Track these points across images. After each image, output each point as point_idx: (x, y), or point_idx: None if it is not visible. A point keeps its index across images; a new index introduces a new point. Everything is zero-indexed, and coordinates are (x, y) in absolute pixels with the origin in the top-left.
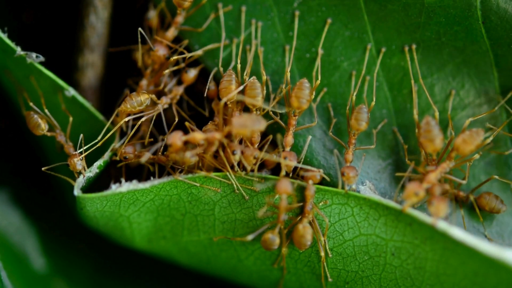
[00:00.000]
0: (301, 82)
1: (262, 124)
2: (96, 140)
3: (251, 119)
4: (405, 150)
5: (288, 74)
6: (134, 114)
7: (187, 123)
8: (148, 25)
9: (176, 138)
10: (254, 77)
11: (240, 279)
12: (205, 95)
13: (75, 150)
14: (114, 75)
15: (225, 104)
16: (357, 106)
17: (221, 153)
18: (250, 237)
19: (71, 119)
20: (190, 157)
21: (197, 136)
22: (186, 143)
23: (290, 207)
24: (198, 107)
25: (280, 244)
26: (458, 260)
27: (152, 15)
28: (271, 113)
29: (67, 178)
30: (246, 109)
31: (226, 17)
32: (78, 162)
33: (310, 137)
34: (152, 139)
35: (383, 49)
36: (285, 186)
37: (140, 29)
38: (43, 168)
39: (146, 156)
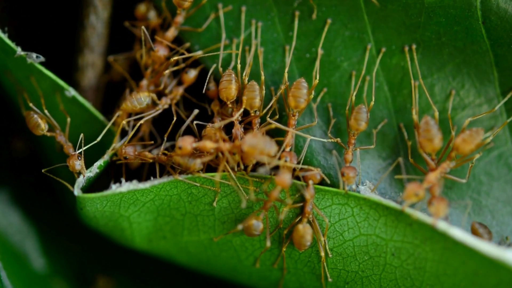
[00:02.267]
0: (299, 82)
1: (273, 148)
2: (96, 141)
3: (264, 141)
4: (408, 148)
5: (286, 75)
6: (136, 114)
7: (209, 127)
8: (147, 25)
9: (187, 143)
10: (252, 80)
11: (240, 279)
12: (203, 91)
13: (75, 151)
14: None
15: (225, 103)
16: (357, 106)
17: (220, 154)
18: (240, 227)
19: (69, 119)
20: (198, 164)
21: (208, 145)
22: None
23: (279, 199)
24: (198, 106)
25: (263, 230)
26: (458, 260)
27: (152, 15)
28: (267, 118)
29: (65, 182)
30: (245, 110)
31: (226, 17)
32: (77, 163)
33: (309, 138)
34: (152, 142)
35: (383, 49)
36: (285, 179)
37: (143, 27)
38: (43, 170)
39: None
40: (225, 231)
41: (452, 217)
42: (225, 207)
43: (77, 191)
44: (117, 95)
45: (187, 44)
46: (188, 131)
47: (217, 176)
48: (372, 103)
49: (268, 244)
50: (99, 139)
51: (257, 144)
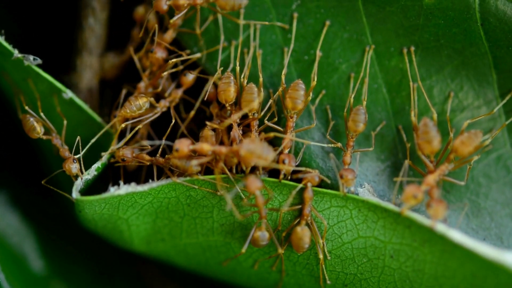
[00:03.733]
0: (296, 83)
1: (271, 154)
2: (91, 142)
3: (261, 147)
4: (407, 150)
5: (283, 77)
6: (133, 118)
7: (206, 128)
8: (146, 26)
9: (184, 145)
10: (251, 82)
11: (239, 281)
12: (205, 98)
13: (71, 154)
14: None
15: (223, 106)
16: (355, 107)
17: (218, 156)
18: (244, 250)
19: (65, 122)
20: (195, 166)
21: (205, 147)
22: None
23: (267, 201)
24: (196, 109)
25: (270, 238)
26: (456, 262)
27: (150, 16)
28: (265, 121)
29: (63, 193)
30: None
31: (224, 19)
32: (73, 166)
33: (305, 144)
34: (149, 147)
35: (382, 51)
36: (255, 183)
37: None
38: (43, 181)
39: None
40: (223, 234)
41: (451, 219)
42: (223, 209)
43: (75, 194)
44: (115, 97)
45: (188, 51)
46: (189, 132)
47: (217, 179)
48: (365, 102)
49: (280, 251)
50: (93, 140)
51: (254, 149)
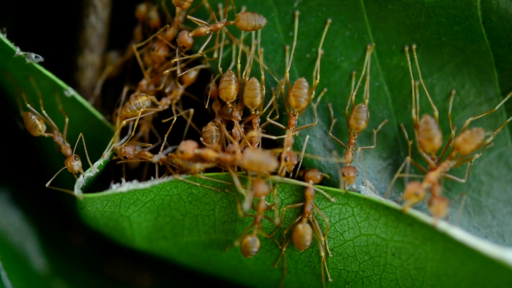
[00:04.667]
0: (299, 81)
1: (273, 164)
2: (105, 156)
3: (264, 157)
4: (409, 147)
5: (287, 75)
6: (134, 116)
7: (210, 124)
8: (148, 24)
9: (189, 148)
10: (253, 77)
11: (241, 279)
12: (206, 106)
13: (72, 151)
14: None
15: (225, 103)
16: (356, 105)
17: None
18: (236, 243)
19: (67, 120)
20: (199, 168)
21: (210, 154)
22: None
23: (267, 208)
24: (197, 106)
25: (260, 246)
26: (458, 260)
27: (153, 14)
28: (267, 118)
29: (67, 190)
30: (246, 108)
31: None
32: (74, 163)
33: (307, 136)
34: (151, 145)
35: (383, 49)
36: (263, 188)
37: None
38: (46, 185)
39: (157, 157)
40: (225, 231)
41: (452, 217)
42: (225, 207)
43: (77, 191)
44: (117, 95)
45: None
46: (190, 131)
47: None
48: (367, 100)
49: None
50: (107, 150)
51: (257, 159)
